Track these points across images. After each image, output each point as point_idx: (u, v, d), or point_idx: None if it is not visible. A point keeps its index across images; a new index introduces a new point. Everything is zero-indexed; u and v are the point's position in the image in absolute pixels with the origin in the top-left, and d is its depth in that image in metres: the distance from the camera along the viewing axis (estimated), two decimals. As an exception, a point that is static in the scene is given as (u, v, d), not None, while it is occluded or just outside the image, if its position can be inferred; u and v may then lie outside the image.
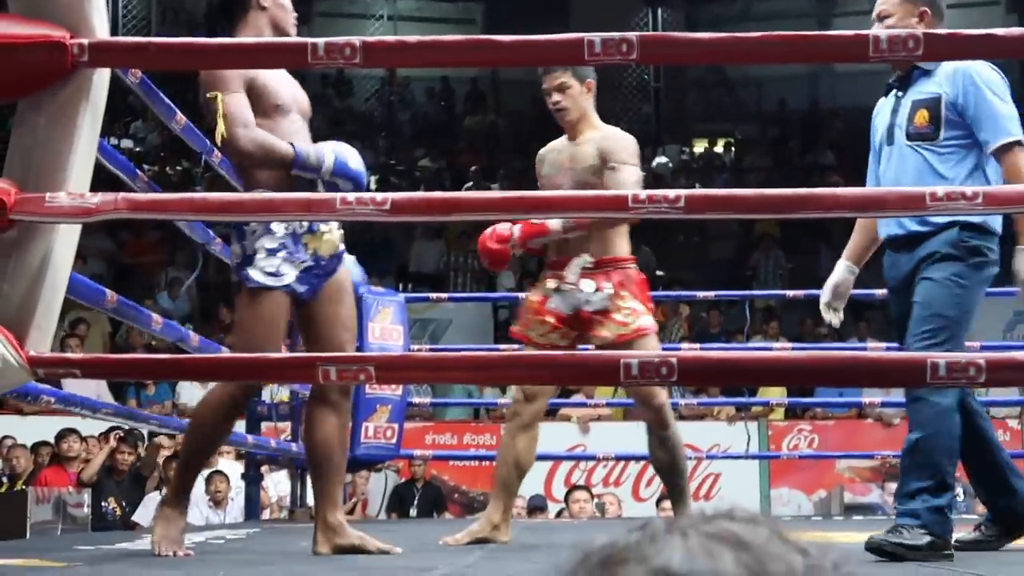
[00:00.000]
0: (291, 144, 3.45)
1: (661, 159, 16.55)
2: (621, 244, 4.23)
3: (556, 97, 4.23)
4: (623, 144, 4.16)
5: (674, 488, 4.29)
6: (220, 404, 3.44)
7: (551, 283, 4.18)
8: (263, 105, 3.46)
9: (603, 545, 0.77)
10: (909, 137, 3.59)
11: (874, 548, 3.38)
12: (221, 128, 3.38)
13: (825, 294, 3.97)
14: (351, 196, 1.98)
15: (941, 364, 1.79)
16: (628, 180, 4.11)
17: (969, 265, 3.53)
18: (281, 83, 3.51)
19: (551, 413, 10.03)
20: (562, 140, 4.24)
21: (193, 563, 3.21)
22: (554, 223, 4.07)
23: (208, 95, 3.39)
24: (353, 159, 3.55)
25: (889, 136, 3.68)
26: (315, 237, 3.52)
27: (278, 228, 3.45)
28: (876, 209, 1.98)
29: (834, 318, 4.00)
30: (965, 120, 3.49)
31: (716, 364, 2.10)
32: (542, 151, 4.38)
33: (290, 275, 3.47)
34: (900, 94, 3.69)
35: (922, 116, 3.56)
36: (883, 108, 3.82)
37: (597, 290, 4.12)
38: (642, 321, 4.14)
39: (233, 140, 3.39)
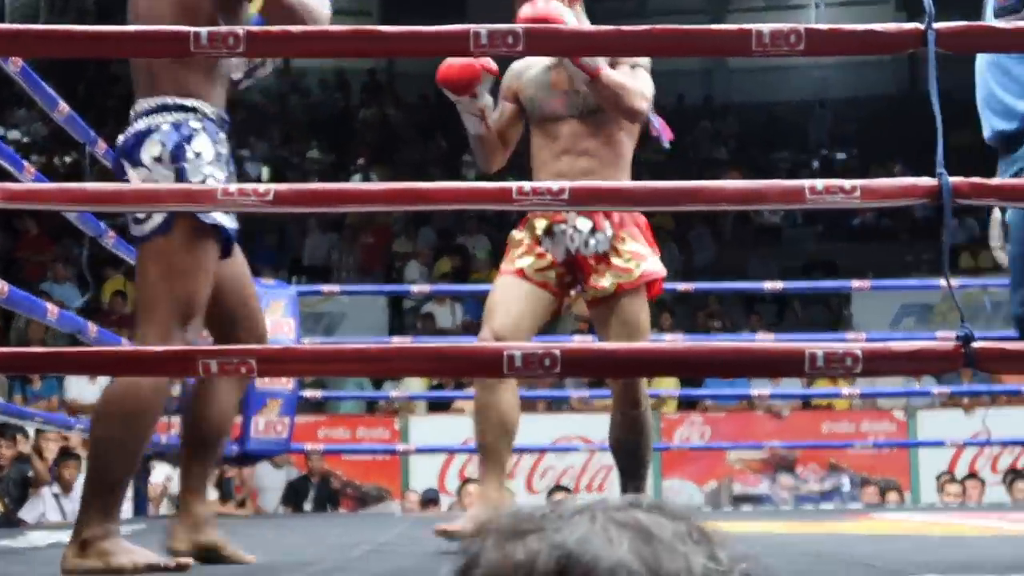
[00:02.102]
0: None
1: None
2: (624, 172, 3.65)
3: (530, 7, 3.48)
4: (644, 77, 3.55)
5: (632, 477, 3.73)
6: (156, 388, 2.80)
7: (540, 222, 3.62)
8: None
9: (511, 514, 0.77)
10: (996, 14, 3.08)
11: None
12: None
13: (995, 237, 3.40)
14: (233, 187, 1.96)
15: (819, 355, 1.82)
16: (647, 83, 3.55)
17: None
18: None
19: (444, 406, 10.05)
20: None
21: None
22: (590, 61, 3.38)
23: None
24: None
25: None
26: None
27: (213, 157, 2.89)
28: (757, 202, 2.00)
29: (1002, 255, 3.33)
30: None
31: (601, 356, 2.11)
32: (514, 67, 3.73)
33: (229, 218, 2.91)
34: None
35: None
36: None
37: (595, 230, 3.58)
38: (647, 266, 3.60)
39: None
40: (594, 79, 3.44)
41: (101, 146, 4.37)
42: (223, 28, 2.02)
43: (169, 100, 2.86)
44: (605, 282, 3.57)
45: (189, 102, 2.86)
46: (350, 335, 10.99)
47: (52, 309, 4.01)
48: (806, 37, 2.01)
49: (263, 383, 6.67)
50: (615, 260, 3.57)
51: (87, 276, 5.79)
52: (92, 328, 4.53)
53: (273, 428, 6.85)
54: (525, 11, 3.38)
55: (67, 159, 14.14)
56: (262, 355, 1.97)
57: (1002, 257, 3.31)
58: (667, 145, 3.73)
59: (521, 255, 3.62)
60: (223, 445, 3.17)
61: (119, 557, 2.74)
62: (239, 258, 3.06)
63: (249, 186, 1.99)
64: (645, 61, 3.58)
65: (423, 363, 1.99)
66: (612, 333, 3.59)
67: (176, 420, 6.86)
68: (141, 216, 2.81)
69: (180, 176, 2.81)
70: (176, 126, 2.85)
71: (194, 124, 2.86)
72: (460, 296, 11.59)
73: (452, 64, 3.51)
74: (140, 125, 2.88)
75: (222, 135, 2.92)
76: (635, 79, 3.52)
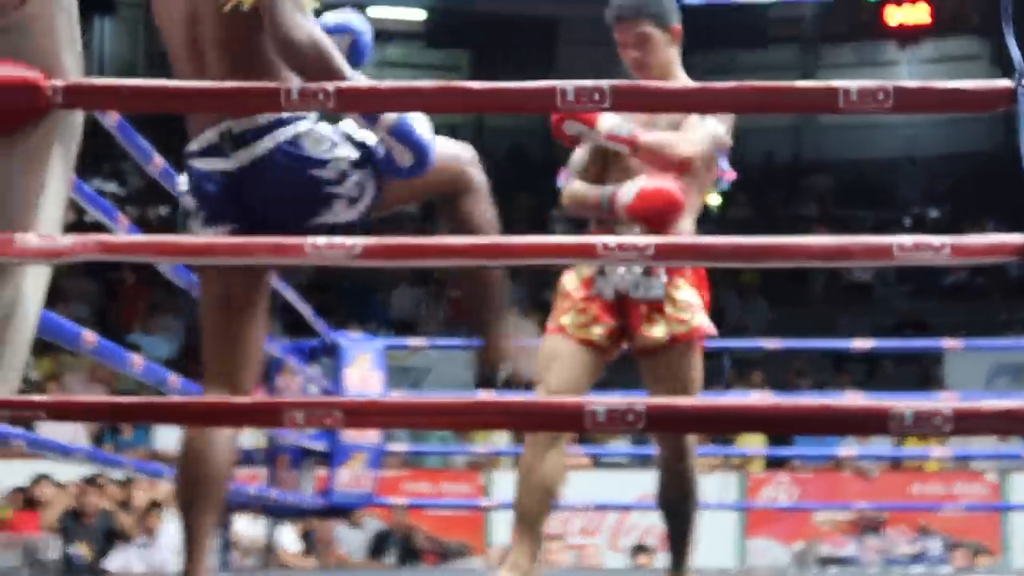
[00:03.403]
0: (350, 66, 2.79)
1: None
2: (687, 219, 3.49)
3: (635, 53, 3.50)
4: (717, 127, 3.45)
5: (677, 536, 3.58)
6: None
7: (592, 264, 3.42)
8: None
9: None
10: None
11: None
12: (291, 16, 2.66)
13: None
14: (321, 241, 1.99)
15: (907, 413, 1.80)
16: (707, 129, 3.44)
17: None
18: None
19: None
20: None
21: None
22: (606, 119, 3.35)
23: None
24: (420, 124, 2.85)
25: None
26: None
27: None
28: (843, 258, 1.99)
29: None
30: None
31: (686, 412, 2.10)
32: None
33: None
34: None
35: None
36: None
37: (649, 273, 3.44)
38: (701, 319, 3.46)
39: (285, 24, 2.65)
40: (633, 149, 3.39)
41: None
42: (312, 85, 2.05)
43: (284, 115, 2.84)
44: (658, 332, 3.44)
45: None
46: (436, 389, 11.02)
47: (137, 361, 4.06)
48: (894, 95, 2.00)
49: (349, 435, 6.71)
50: (669, 309, 3.44)
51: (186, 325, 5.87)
52: (174, 380, 4.57)
53: (358, 481, 6.88)
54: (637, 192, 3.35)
55: (161, 211, 14.37)
56: (348, 407, 1.99)
57: None
58: (725, 186, 3.65)
59: (566, 310, 3.50)
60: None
61: None
62: None
63: (338, 239, 2.01)
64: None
65: (504, 417, 1.99)
66: (663, 388, 3.46)
67: (260, 471, 6.90)
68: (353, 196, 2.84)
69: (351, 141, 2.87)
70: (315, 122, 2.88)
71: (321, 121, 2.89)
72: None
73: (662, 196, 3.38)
74: (267, 143, 2.84)
75: None
76: (685, 128, 3.44)
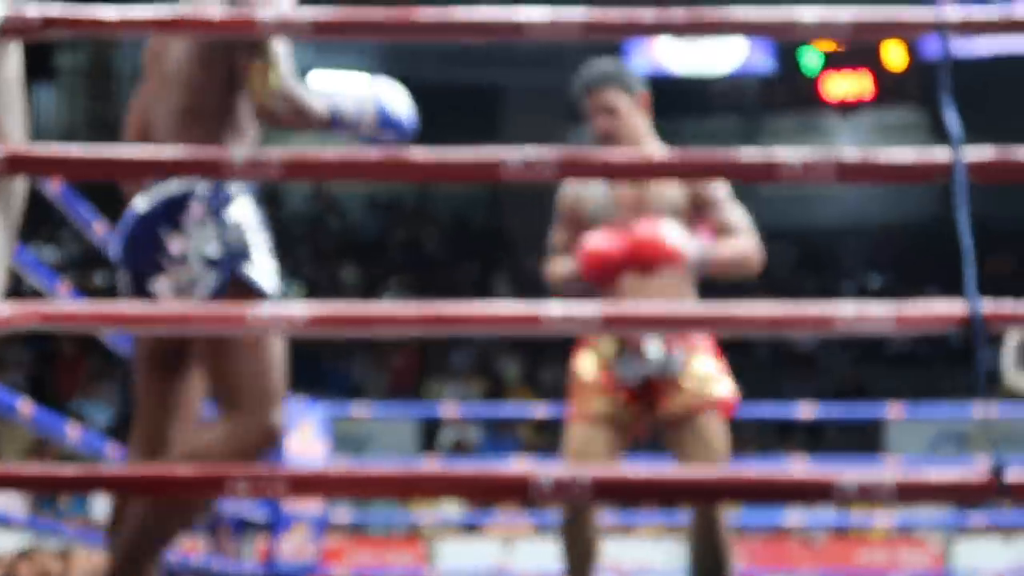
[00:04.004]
0: (327, 99, 2.80)
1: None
2: (690, 283, 3.55)
3: (604, 122, 3.50)
4: None
5: None
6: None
7: (607, 345, 3.47)
8: None
9: None
10: None
11: None
12: (271, 82, 2.73)
13: (1010, 363, 3.34)
14: (265, 311, 1.98)
15: (850, 483, 1.82)
16: (743, 217, 3.49)
17: None
18: None
19: (476, 529, 9.96)
20: None
21: None
22: (692, 249, 3.35)
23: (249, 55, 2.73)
24: (396, 102, 2.90)
25: None
26: None
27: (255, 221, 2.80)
28: (786, 328, 2.01)
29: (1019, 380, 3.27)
30: None
31: (633, 483, 2.10)
32: (571, 188, 3.55)
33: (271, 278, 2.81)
34: None
35: None
36: None
37: (668, 354, 3.46)
38: (720, 389, 3.48)
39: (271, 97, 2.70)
40: (714, 269, 3.44)
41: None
42: (261, 153, 2.06)
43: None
44: (679, 405, 3.46)
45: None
46: (379, 455, 10.96)
47: (72, 432, 4.01)
48: (835, 165, 2.03)
49: (291, 504, 6.65)
50: (687, 384, 3.46)
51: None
52: (112, 449, 4.53)
53: (300, 551, 6.82)
54: (643, 236, 3.35)
55: (100, 279, 14.27)
56: (292, 477, 1.98)
57: (1020, 383, 3.23)
58: None
59: (594, 397, 3.49)
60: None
61: None
62: None
63: (281, 311, 2.01)
64: (722, 188, 3.50)
65: (451, 486, 1.99)
66: (690, 455, 3.46)
67: (200, 541, 6.82)
68: (182, 285, 2.73)
69: (224, 239, 2.74)
70: (214, 188, 2.76)
71: (230, 187, 2.78)
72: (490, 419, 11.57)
73: (596, 259, 3.40)
74: (171, 187, 2.76)
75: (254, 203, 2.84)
76: (736, 227, 3.48)
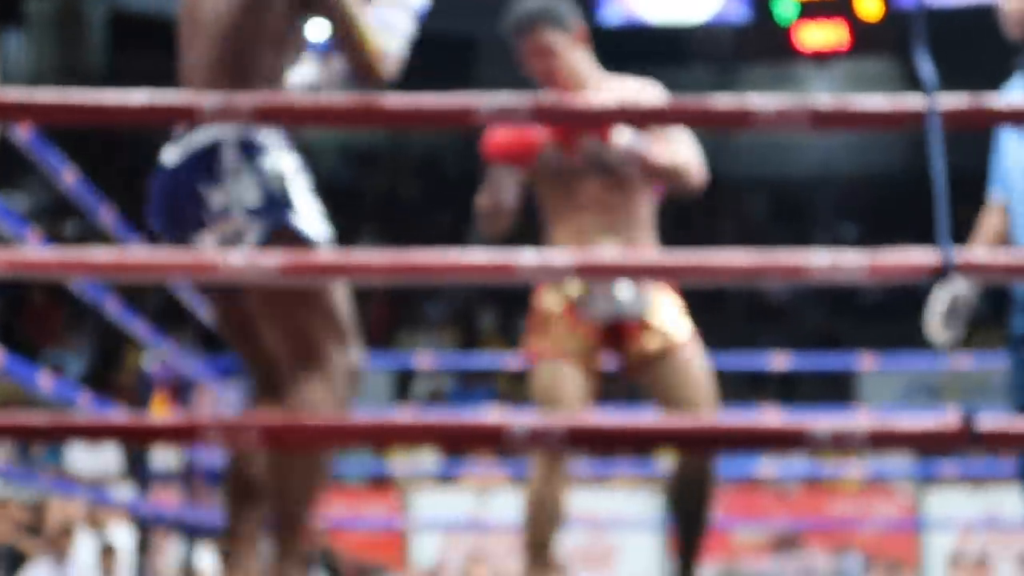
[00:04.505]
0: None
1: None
2: (650, 227, 3.49)
3: (540, 63, 3.36)
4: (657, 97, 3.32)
5: (690, 542, 3.48)
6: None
7: (573, 286, 3.39)
8: None
9: None
10: None
11: None
12: (367, 39, 2.73)
13: (937, 313, 3.28)
14: (238, 257, 1.97)
15: (823, 431, 1.83)
16: (690, 144, 3.38)
17: None
18: None
19: (450, 480, 10.00)
20: None
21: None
22: (624, 134, 3.25)
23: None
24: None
25: None
26: None
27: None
28: (759, 277, 2.01)
29: (945, 337, 3.27)
30: None
31: (610, 431, 2.11)
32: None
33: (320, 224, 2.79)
34: None
35: None
36: None
37: (637, 292, 3.39)
38: (685, 326, 3.45)
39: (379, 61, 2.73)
40: (644, 167, 3.33)
41: (106, 215, 4.38)
42: (230, 102, 2.04)
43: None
44: (653, 344, 3.41)
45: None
46: (354, 405, 10.95)
47: (45, 380, 3.99)
48: (809, 112, 2.03)
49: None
50: (656, 322, 3.41)
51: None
52: (85, 399, 4.51)
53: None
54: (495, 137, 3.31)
55: (71, 227, 14.19)
56: (265, 427, 1.97)
57: (941, 334, 3.20)
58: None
59: (560, 333, 3.42)
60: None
61: None
62: None
63: (253, 255, 2.00)
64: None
65: (426, 435, 1.99)
66: (673, 389, 3.42)
67: (176, 491, 6.83)
68: (228, 237, 2.67)
69: (264, 188, 2.69)
70: (244, 134, 2.72)
71: (260, 134, 2.74)
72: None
73: (506, 138, 3.36)
74: (200, 136, 2.71)
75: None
76: (680, 146, 3.38)
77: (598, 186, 3.46)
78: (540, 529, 3.37)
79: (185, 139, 2.74)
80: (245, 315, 2.86)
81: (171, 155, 2.77)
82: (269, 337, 2.81)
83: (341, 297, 2.77)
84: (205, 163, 2.70)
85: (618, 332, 3.45)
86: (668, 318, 3.44)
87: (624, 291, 3.40)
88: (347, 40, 2.76)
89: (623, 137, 3.34)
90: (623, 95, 3.42)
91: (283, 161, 2.74)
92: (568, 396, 3.43)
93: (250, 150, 2.70)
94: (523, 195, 3.58)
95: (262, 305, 2.76)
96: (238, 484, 2.92)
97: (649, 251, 3.43)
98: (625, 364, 3.51)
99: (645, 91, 3.47)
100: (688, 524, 3.49)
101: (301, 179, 2.77)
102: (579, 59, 3.42)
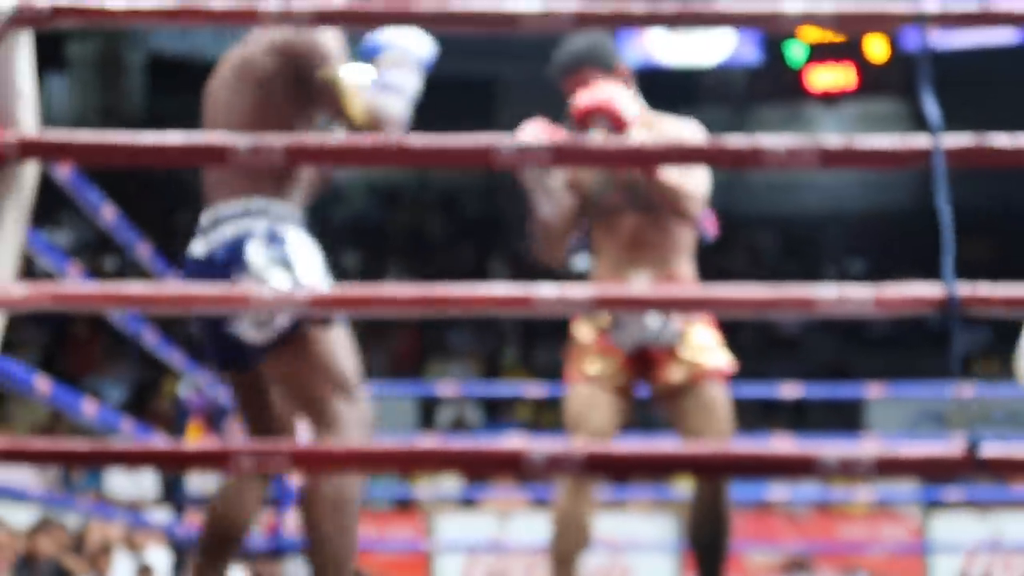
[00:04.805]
0: (395, 90, 2.80)
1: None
2: (687, 262, 3.49)
3: None
4: (694, 135, 3.34)
5: (709, 567, 3.48)
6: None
7: (604, 314, 3.37)
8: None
9: None
10: None
11: None
12: (351, 105, 2.81)
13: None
14: (267, 291, 1.98)
15: (831, 458, 1.82)
16: (702, 179, 3.36)
17: None
18: None
19: (472, 503, 9.97)
20: None
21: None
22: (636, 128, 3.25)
23: (325, 70, 2.83)
24: (420, 46, 2.86)
25: None
26: None
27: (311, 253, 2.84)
28: (770, 309, 2.00)
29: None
30: None
31: (626, 458, 2.10)
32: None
33: None
34: None
35: None
36: None
37: (665, 321, 3.38)
38: (717, 358, 3.44)
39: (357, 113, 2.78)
40: (649, 180, 3.32)
41: (143, 250, 4.40)
42: (262, 142, 2.05)
43: (253, 204, 2.82)
44: (678, 375, 3.40)
45: (274, 204, 2.82)
46: (380, 432, 10.95)
47: (89, 408, 4.00)
48: (818, 151, 2.03)
49: (295, 480, 6.64)
50: (684, 354, 3.40)
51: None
52: (126, 425, 4.52)
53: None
54: (583, 99, 3.26)
55: (110, 263, 14.25)
56: (295, 452, 1.97)
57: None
58: (708, 239, 3.64)
59: (592, 359, 3.43)
60: (242, 543, 3.04)
61: None
62: None
63: (287, 293, 2.01)
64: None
65: (447, 462, 1.98)
66: (692, 421, 3.42)
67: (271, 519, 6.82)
68: (263, 319, 2.72)
69: (291, 275, 2.76)
70: (270, 228, 2.80)
71: (282, 225, 2.82)
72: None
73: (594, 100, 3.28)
74: (227, 231, 2.80)
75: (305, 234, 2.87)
76: (691, 176, 3.36)
77: (635, 221, 3.47)
78: (566, 548, 3.35)
79: (214, 232, 2.83)
80: (257, 385, 2.91)
81: (200, 247, 2.86)
82: (279, 403, 2.87)
83: (342, 349, 2.82)
84: (235, 254, 2.78)
85: (647, 360, 3.44)
86: (699, 350, 3.42)
87: (653, 321, 3.38)
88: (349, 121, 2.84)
89: (636, 131, 3.33)
90: (662, 132, 3.42)
91: (304, 246, 2.84)
92: (598, 419, 3.42)
93: (274, 240, 2.79)
94: (578, 226, 3.57)
95: (269, 369, 2.83)
96: (214, 540, 2.95)
97: (669, 285, 3.43)
98: (652, 392, 3.51)
99: (684, 129, 3.45)
100: (708, 553, 3.47)
101: (318, 260, 2.85)
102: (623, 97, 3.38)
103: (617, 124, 3.27)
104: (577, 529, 3.35)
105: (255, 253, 2.77)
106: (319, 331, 2.78)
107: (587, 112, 3.28)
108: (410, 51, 2.87)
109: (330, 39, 2.86)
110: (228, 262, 2.77)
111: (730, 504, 3.50)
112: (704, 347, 3.44)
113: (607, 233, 3.50)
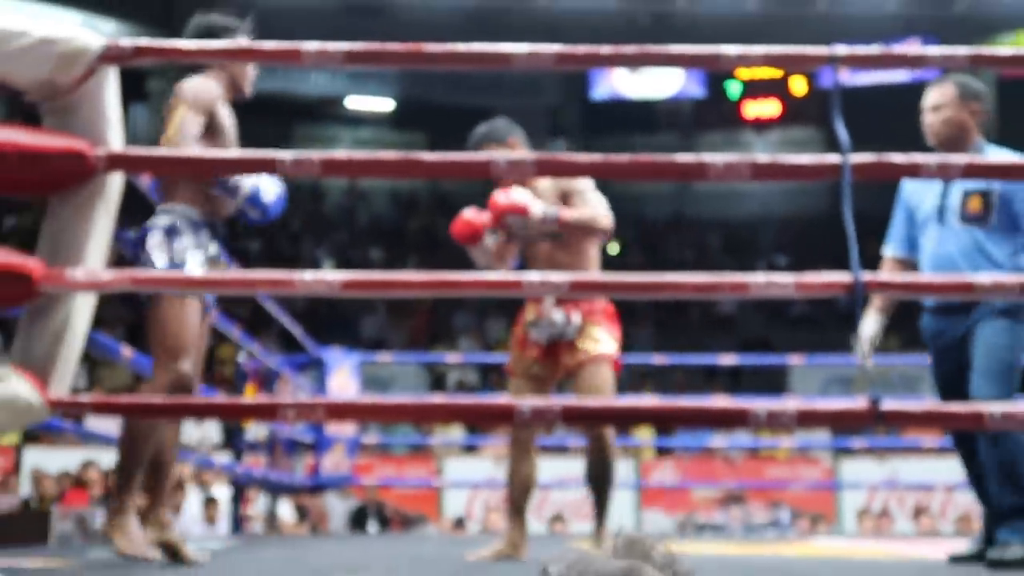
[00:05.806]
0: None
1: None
2: (592, 272, 3.67)
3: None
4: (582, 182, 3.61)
5: (600, 505, 3.69)
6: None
7: (530, 315, 3.67)
8: (213, 127, 3.16)
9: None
10: (963, 219, 3.27)
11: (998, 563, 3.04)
12: (169, 134, 3.07)
13: (866, 351, 3.39)
14: (308, 276, 1.98)
15: (762, 412, 1.82)
16: (598, 200, 3.61)
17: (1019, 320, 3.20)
18: (225, 115, 3.23)
19: (474, 449, 9.98)
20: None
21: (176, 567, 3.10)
22: (536, 208, 3.52)
23: (175, 104, 3.09)
24: (269, 193, 3.12)
25: (940, 216, 3.31)
26: (218, 265, 3.15)
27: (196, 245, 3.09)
28: (711, 292, 2.00)
29: (869, 362, 3.41)
30: (1013, 209, 3.23)
31: (593, 410, 2.09)
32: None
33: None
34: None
35: (975, 202, 3.25)
36: (922, 187, 3.38)
37: (568, 322, 3.61)
38: (603, 348, 3.61)
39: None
40: (561, 226, 3.57)
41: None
42: (304, 154, 2.04)
43: (168, 207, 3.14)
44: (574, 359, 3.62)
45: (179, 207, 3.11)
46: (399, 392, 10.95)
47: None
48: (751, 166, 2.02)
49: (331, 429, 6.65)
50: (580, 344, 3.62)
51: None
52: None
53: (338, 465, 6.81)
54: (499, 201, 3.54)
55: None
56: (330, 406, 1.97)
57: (863, 356, 3.32)
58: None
59: (516, 355, 3.70)
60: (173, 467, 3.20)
61: (121, 540, 2.97)
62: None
63: (321, 274, 2.00)
64: (583, 184, 3.64)
65: (453, 414, 1.98)
66: (583, 393, 3.62)
67: (262, 457, 6.83)
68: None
69: (171, 256, 3.04)
70: (171, 224, 3.09)
71: (179, 223, 3.09)
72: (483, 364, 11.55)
73: (460, 224, 3.66)
74: (150, 221, 3.14)
75: (204, 232, 3.11)
76: (589, 204, 3.62)
77: (548, 247, 3.71)
78: (515, 495, 3.65)
79: (149, 221, 3.15)
80: None
81: (136, 230, 3.17)
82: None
83: (177, 325, 3.05)
84: (143, 237, 3.10)
85: (555, 349, 3.66)
86: (592, 341, 3.62)
87: (559, 317, 3.62)
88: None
89: (537, 209, 3.57)
90: (544, 185, 3.68)
91: (191, 239, 3.09)
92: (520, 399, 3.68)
93: (171, 233, 3.08)
94: (513, 251, 3.80)
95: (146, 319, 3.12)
96: (157, 463, 3.15)
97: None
98: (560, 373, 3.73)
99: (562, 182, 3.67)
100: (598, 485, 3.68)
101: (200, 253, 3.10)
102: (536, 200, 3.63)
103: (522, 213, 3.55)
104: (524, 480, 3.65)
105: (151, 238, 3.08)
106: (160, 307, 3.04)
107: (502, 211, 3.57)
108: (256, 188, 3.14)
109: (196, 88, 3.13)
110: (139, 242, 3.08)
111: (613, 453, 3.68)
112: (596, 339, 3.63)
113: (531, 257, 3.74)
